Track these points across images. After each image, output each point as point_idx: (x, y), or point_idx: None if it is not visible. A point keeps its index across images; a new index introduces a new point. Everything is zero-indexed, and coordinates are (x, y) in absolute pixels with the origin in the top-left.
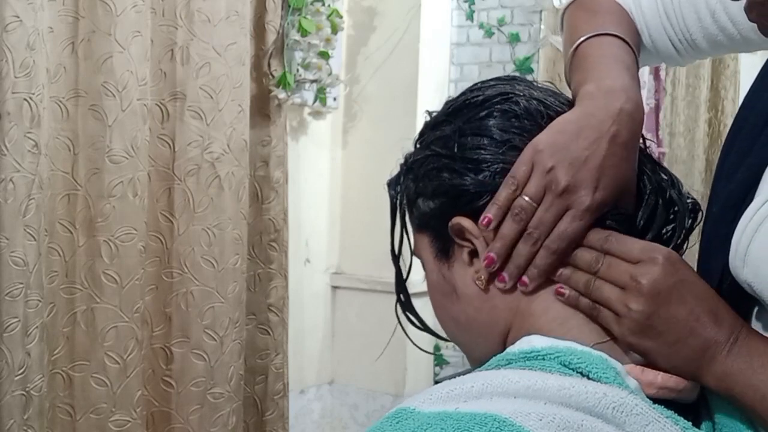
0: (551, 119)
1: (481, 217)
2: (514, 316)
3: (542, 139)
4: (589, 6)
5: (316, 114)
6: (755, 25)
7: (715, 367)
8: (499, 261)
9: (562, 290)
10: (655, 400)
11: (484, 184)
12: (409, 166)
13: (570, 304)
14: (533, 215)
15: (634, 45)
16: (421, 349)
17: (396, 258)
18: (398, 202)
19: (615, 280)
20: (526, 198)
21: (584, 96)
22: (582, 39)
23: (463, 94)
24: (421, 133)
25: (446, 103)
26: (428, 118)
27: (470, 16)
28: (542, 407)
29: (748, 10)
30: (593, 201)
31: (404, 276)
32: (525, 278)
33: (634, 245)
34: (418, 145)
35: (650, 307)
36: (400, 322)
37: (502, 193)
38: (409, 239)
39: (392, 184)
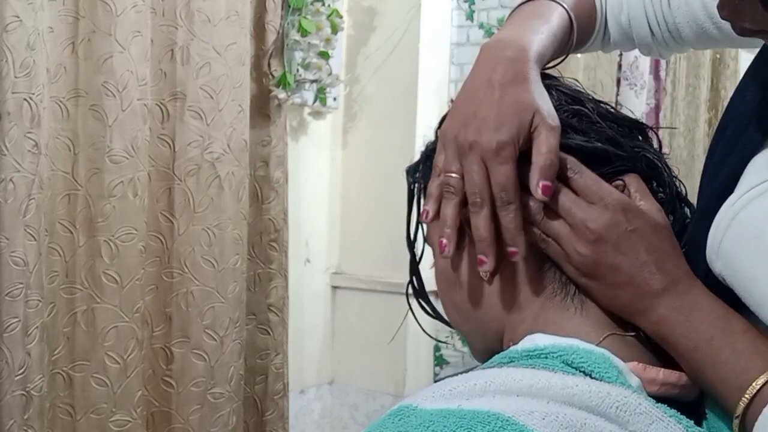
0: None
1: (421, 212)
2: (508, 314)
3: (445, 122)
4: None
5: (316, 114)
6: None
7: (650, 315)
8: (450, 243)
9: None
10: (658, 399)
11: None
12: (427, 153)
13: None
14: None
15: (572, 8)
16: (427, 334)
17: (411, 244)
18: (415, 188)
19: (565, 216)
20: (449, 174)
21: (479, 51)
22: (518, 5)
23: None
24: (441, 122)
25: None
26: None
27: (470, 16)
28: (545, 406)
29: (720, 7)
30: (497, 140)
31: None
32: (511, 249)
33: (593, 186)
34: (438, 134)
35: (595, 254)
36: (410, 305)
37: (432, 185)
38: (423, 228)
39: (411, 171)
